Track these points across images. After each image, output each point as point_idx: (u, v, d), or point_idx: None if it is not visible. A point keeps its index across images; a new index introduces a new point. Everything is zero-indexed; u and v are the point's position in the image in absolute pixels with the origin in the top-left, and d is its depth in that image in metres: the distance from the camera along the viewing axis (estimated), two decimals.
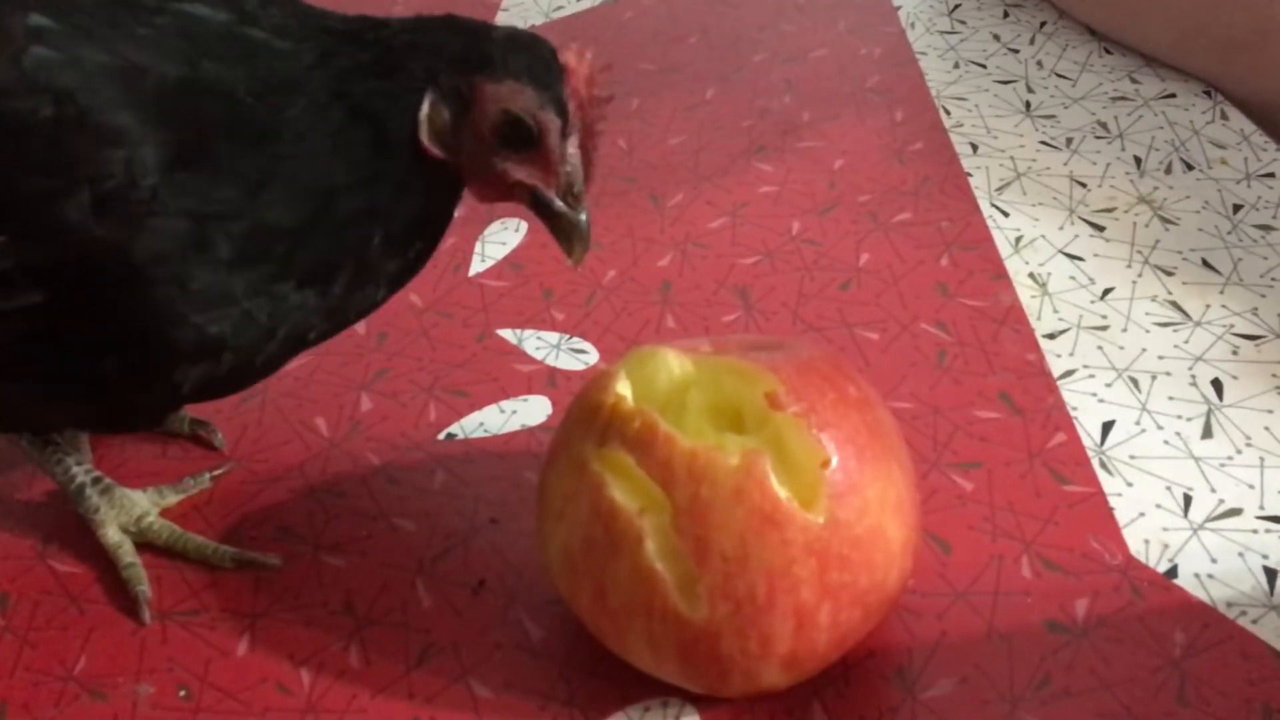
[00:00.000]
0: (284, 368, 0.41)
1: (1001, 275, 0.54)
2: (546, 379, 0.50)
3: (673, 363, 0.37)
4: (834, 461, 0.35)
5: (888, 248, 0.56)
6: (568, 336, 0.52)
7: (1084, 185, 0.59)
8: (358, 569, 0.43)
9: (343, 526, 0.44)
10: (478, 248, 0.58)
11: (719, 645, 0.34)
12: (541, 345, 0.52)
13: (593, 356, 0.51)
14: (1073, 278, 0.54)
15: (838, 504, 0.34)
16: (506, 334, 0.53)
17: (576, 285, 0.55)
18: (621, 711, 0.37)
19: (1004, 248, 0.56)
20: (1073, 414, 0.47)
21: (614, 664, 0.38)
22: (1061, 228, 0.57)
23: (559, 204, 0.39)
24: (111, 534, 0.43)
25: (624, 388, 0.37)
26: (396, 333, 0.53)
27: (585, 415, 0.37)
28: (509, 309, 0.54)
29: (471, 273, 0.56)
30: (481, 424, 0.48)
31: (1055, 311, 0.52)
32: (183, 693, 0.39)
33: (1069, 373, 0.49)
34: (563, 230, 0.39)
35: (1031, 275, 0.54)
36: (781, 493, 0.34)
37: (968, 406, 0.47)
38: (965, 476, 0.45)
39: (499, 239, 0.58)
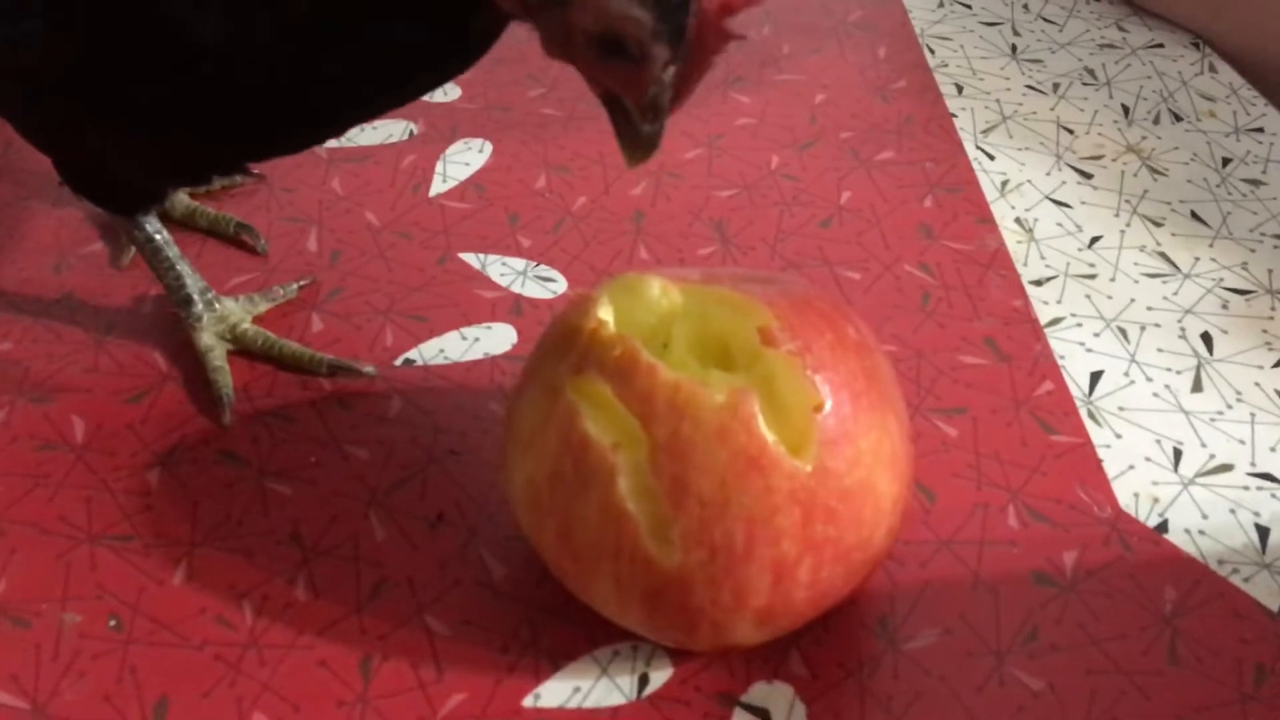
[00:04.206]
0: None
1: (987, 219, 0.52)
2: (511, 306, 0.47)
3: (659, 291, 0.35)
4: (827, 406, 0.32)
5: (870, 186, 0.54)
6: (534, 264, 0.49)
7: (1071, 131, 0.58)
8: (306, 498, 0.40)
9: (290, 452, 0.41)
10: (439, 167, 0.54)
11: (690, 594, 0.32)
12: (506, 271, 0.49)
13: (560, 285, 0.48)
14: (1060, 224, 0.52)
15: (828, 452, 0.32)
16: (469, 258, 0.50)
17: (544, 211, 0.52)
18: (589, 655, 0.35)
19: (990, 191, 0.54)
20: (1060, 362, 0.45)
21: (581, 605, 0.35)
22: (1049, 173, 0.55)
23: (634, 114, 0.34)
24: (206, 338, 0.44)
25: (606, 313, 0.34)
26: (351, 251, 0.50)
27: (562, 340, 0.34)
28: (471, 232, 0.51)
29: (432, 193, 0.53)
30: (441, 350, 0.45)
31: (1042, 258, 0.50)
32: (113, 622, 0.36)
33: (1056, 320, 0.47)
34: (628, 137, 0.34)
35: (1018, 220, 0.52)
36: (769, 436, 0.31)
37: (952, 351, 0.46)
38: (949, 422, 0.43)
39: (462, 159, 0.55)
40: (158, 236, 0.44)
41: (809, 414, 0.32)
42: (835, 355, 0.33)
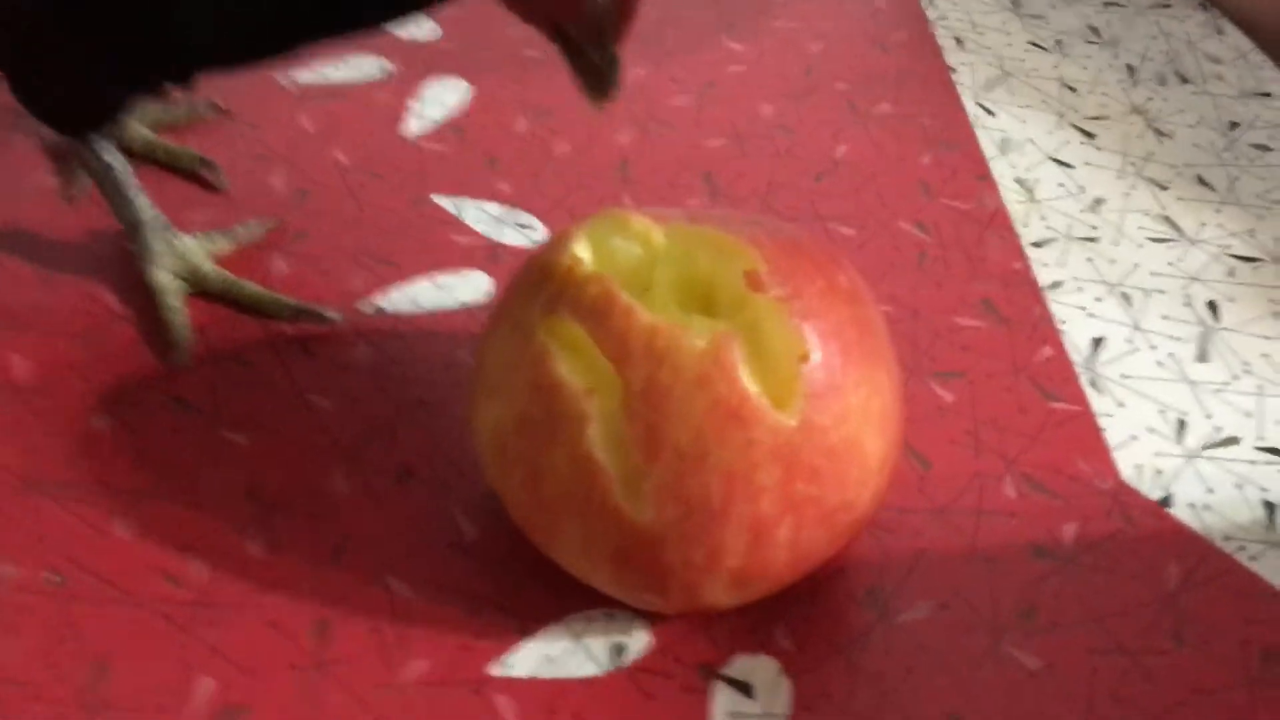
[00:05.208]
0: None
1: (986, 177, 0.50)
2: (488, 254, 0.45)
3: (641, 230, 0.33)
4: (815, 357, 0.30)
5: (866, 140, 0.52)
6: (513, 209, 0.47)
7: (1074, 90, 0.55)
8: (264, 449, 0.37)
9: (248, 400, 0.39)
10: (414, 106, 0.52)
11: (661, 552, 0.30)
12: (483, 217, 0.46)
13: (539, 233, 0.46)
14: (1062, 185, 0.50)
15: (814, 406, 0.30)
16: (443, 201, 0.47)
17: (524, 155, 0.50)
18: (561, 621, 0.33)
19: (989, 149, 0.52)
20: (1060, 327, 0.43)
21: (554, 568, 0.33)
22: (1050, 132, 0.53)
23: (582, 44, 0.32)
24: (160, 276, 0.41)
25: (583, 250, 0.32)
26: (318, 190, 0.47)
27: (536, 277, 0.32)
28: (447, 175, 0.48)
29: (406, 133, 0.50)
30: (412, 298, 0.43)
31: (1043, 219, 0.48)
32: (53, 577, 0.33)
33: (1057, 284, 0.45)
34: (584, 73, 0.33)
35: (1018, 180, 0.50)
36: (751, 386, 0.29)
37: (949, 312, 0.44)
38: (945, 386, 0.41)
39: (439, 99, 0.52)
40: (113, 161, 0.41)
41: (795, 364, 0.30)
42: (825, 303, 0.31)
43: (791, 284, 0.31)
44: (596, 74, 0.32)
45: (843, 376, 0.30)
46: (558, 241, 0.33)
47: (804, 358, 0.30)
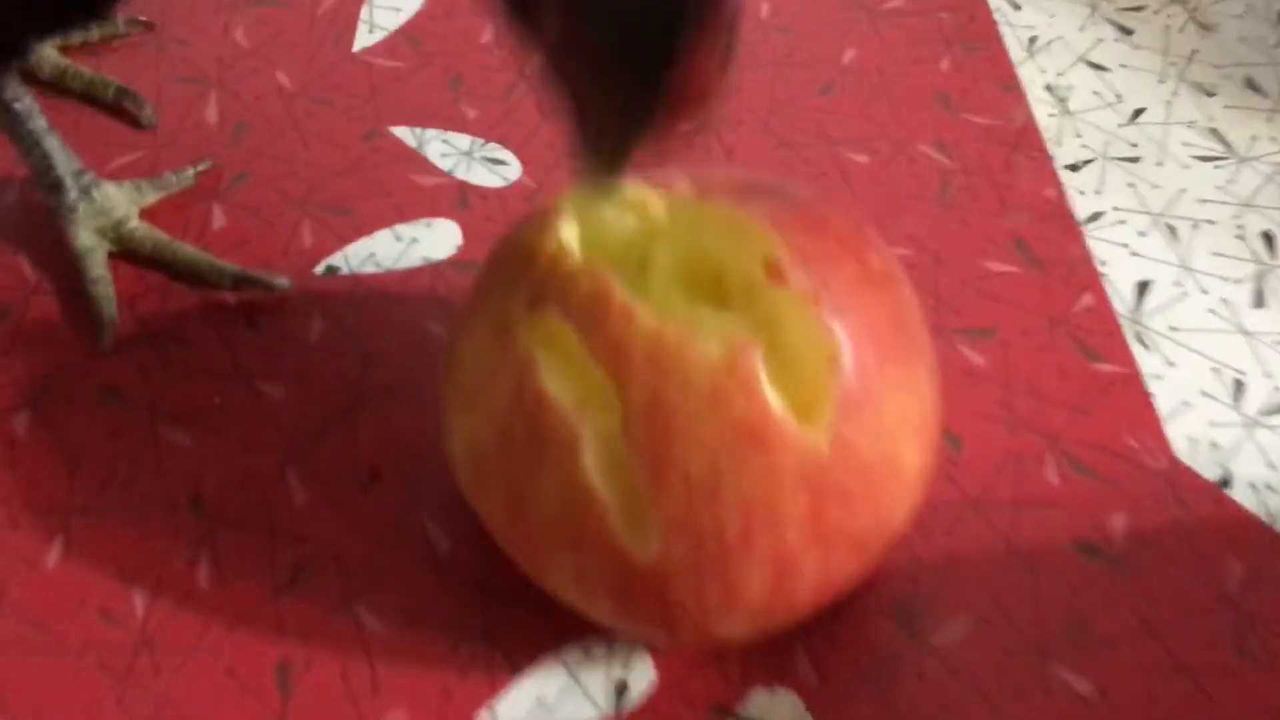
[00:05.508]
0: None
1: (1013, 86, 0.44)
2: (456, 197, 0.39)
3: (638, 204, 0.28)
4: (847, 360, 0.25)
5: (877, 43, 0.46)
6: (482, 142, 0.41)
7: None
8: (209, 450, 0.33)
9: (188, 389, 0.34)
10: (364, 13, 0.45)
11: (668, 590, 0.25)
12: (448, 151, 0.41)
13: (514, 170, 0.40)
14: (1097, 94, 0.44)
15: (846, 419, 0.25)
16: (402, 133, 0.41)
17: (492, 71, 0.44)
18: (555, 654, 0.29)
19: (1015, 50, 0.46)
20: (1101, 270, 0.39)
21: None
22: (1083, 28, 0.47)
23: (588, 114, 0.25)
24: (83, 236, 0.36)
25: (569, 233, 0.27)
26: (259, 123, 0.41)
27: (514, 264, 0.27)
28: (406, 99, 0.42)
29: (356, 47, 0.44)
30: (372, 254, 0.38)
31: (1078, 136, 0.43)
32: None
33: (1096, 216, 0.40)
34: (581, 140, 0.26)
35: (1049, 88, 0.45)
36: (773, 400, 0.25)
37: (976, 255, 0.39)
38: (975, 347, 0.36)
39: (391, 3, 0.46)
40: (17, 105, 0.36)
41: (823, 369, 0.25)
42: (857, 293, 0.26)
43: (818, 273, 0.26)
44: (592, 153, 0.25)
45: (879, 381, 0.26)
46: (540, 220, 0.28)
47: (834, 361, 0.25)
